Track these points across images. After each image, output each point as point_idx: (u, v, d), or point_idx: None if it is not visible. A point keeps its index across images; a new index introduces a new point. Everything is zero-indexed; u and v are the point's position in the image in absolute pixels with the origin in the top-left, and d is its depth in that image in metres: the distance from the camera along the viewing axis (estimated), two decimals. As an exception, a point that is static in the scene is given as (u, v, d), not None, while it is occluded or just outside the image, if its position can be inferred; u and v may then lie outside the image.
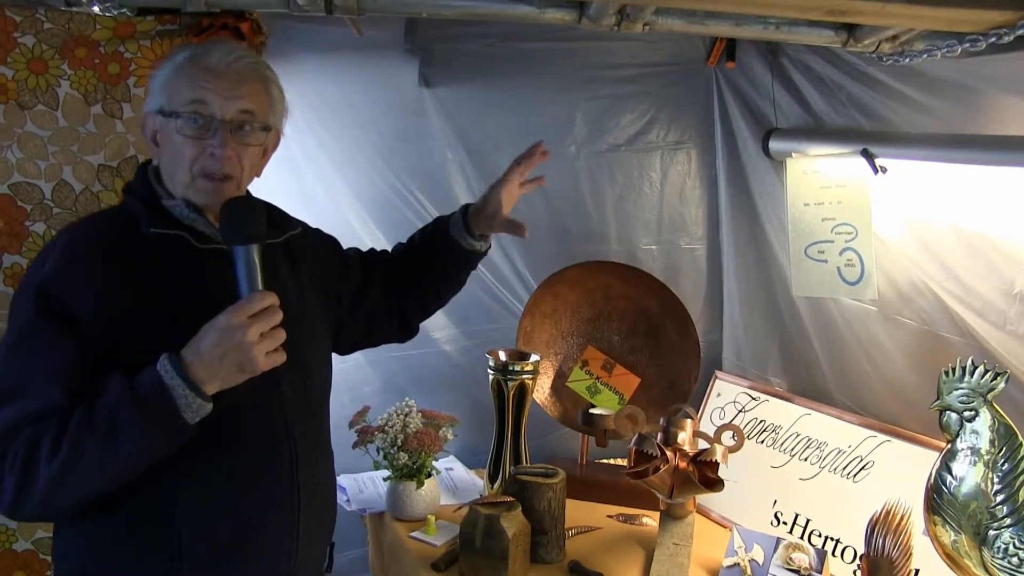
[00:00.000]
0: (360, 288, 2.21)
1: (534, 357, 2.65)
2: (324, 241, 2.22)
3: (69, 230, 1.77)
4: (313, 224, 2.19)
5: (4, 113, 2.33)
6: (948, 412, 1.83)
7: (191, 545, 1.71)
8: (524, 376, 2.61)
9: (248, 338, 1.59)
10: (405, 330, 2.35)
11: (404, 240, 2.36)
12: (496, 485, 2.63)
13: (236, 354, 1.59)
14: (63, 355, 1.60)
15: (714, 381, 2.97)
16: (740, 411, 2.78)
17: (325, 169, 2.81)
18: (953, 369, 1.83)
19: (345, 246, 2.31)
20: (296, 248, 2.00)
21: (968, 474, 1.79)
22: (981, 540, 1.76)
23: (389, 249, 2.38)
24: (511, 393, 2.61)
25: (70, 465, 1.55)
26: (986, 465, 1.78)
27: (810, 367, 2.77)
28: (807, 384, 2.77)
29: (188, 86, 1.74)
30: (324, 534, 2.04)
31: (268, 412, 1.81)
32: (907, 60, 2.00)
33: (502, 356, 2.65)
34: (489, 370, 2.64)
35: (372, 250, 2.36)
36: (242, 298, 1.65)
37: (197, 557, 1.72)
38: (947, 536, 1.79)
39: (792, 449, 2.55)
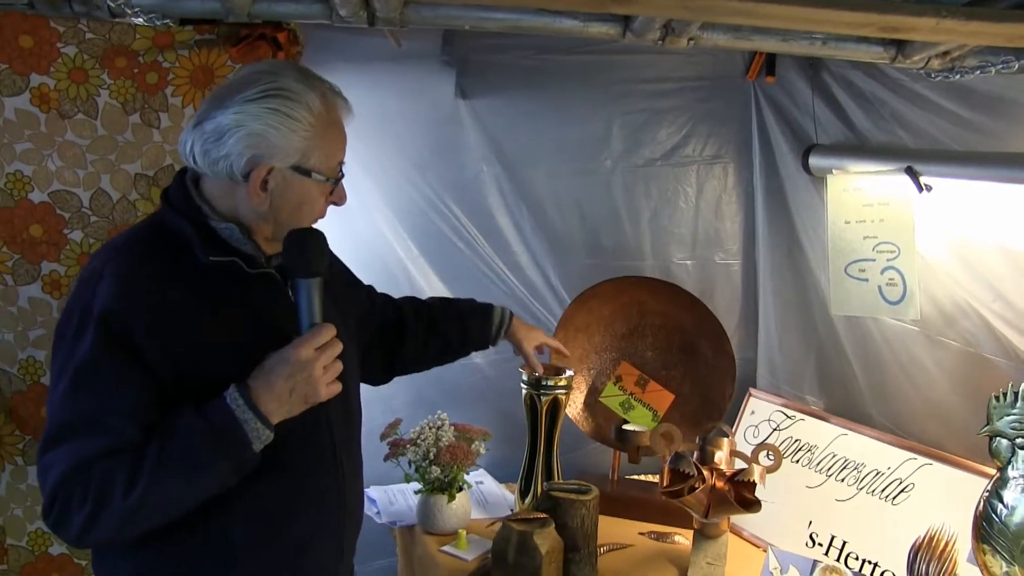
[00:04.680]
0: (364, 318, 2.22)
1: (568, 372, 2.62)
2: (340, 265, 2.21)
3: (117, 255, 1.69)
4: (348, 235, 2.19)
5: (45, 122, 2.35)
6: (998, 438, 1.79)
7: (245, 570, 1.72)
8: (558, 391, 2.58)
9: (315, 370, 1.64)
10: (386, 374, 2.40)
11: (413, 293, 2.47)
12: (527, 500, 2.60)
13: (304, 387, 1.64)
14: (132, 389, 1.59)
15: (748, 399, 2.93)
16: (775, 429, 2.74)
17: (359, 179, 2.79)
18: (1004, 394, 1.79)
19: (378, 257, 2.31)
20: None
21: (1020, 503, 1.75)
22: (1036, 572, 1.72)
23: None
24: (544, 408, 2.57)
25: (148, 498, 1.56)
26: (1039, 494, 1.74)
27: (847, 387, 2.73)
28: (844, 404, 2.74)
29: (336, 148, 1.77)
30: (355, 544, 2.05)
31: (317, 437, 1.82)
32: (957, 76, 1.97)
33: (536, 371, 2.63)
34: (522, 385, 2.61)
35: (372, 288, 2.37)
36: (304, 330, 1.68)
37: None
38: (998, 566, 1.75)
39: (828, 469, 2.51)
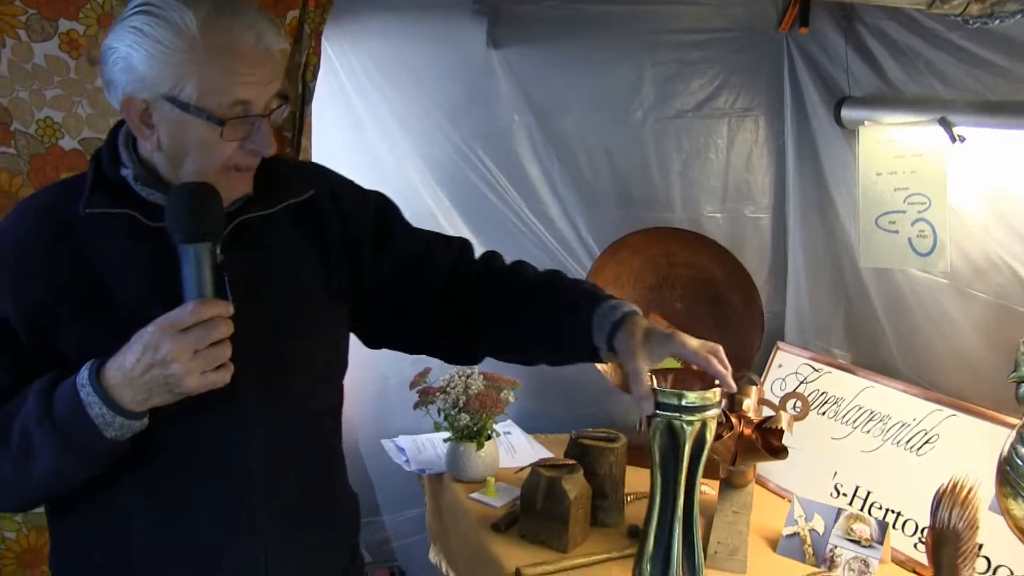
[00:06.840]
0: (401, 266, 1.79)
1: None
2: (362, 202, 1.78)
3: (8, 216, 1.53)
4: (378, 185, 1.88)
5: (75, 69, 2.35)
6: (1025, 385, 1.79)
7: (143, 551, 1.51)
8: (708, 412, 1.56)
9: (172, 355, 1.32)
10: (466, 352, 1.89)
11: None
12: None
13: (160, 371, 1.33)
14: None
15: (776, 352, 2.93)
16: (802, 382, 2.74)
17: (390, 129, 2.81)
18: (1032, 341, 1.79)
19: (409, 207, 1.95)
20: (314, 213, 1.64)
21: (1045, 448, 1.75)
22: (1057, 516, 1.73)
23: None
24: (690, 440, 1.57)
25: None
26: (1064, 440, 1.74)
27: (875, 340, 2.72)
28: (871, 357, 2.73)
29: (224, 80, 1.39)
30: (303, 535, 1.65)
31: (222, 429, 1.51)
32: (997, 22, 1.92)
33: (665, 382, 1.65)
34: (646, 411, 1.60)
35: (449, 241, 1.92)
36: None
37: None
38: (1019, 510, 1.76)
39: (854, 421, 2.52)
